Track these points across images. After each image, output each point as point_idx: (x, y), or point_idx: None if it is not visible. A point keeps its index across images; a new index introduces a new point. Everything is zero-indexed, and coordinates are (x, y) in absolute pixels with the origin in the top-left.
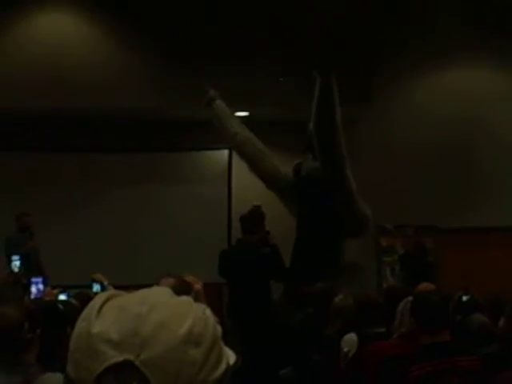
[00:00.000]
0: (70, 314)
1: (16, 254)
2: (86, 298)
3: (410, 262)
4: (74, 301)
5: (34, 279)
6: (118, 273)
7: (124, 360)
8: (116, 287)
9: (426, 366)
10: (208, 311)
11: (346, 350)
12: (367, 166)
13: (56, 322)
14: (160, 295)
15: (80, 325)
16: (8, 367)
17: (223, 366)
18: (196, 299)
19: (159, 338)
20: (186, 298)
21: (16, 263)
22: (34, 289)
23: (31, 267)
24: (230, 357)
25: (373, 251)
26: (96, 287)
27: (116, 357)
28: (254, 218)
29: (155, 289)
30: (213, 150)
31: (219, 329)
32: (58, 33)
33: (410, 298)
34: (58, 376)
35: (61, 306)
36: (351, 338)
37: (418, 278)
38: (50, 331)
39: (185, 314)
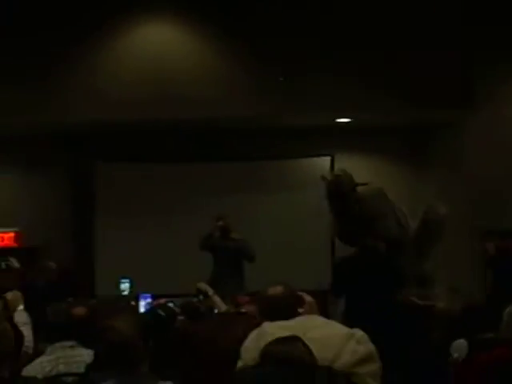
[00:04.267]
0: (170, 318)
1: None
2: (191, 310)
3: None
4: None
5: (143, 295)
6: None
7: (291, 335)
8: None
9: None
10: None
11: (455, 355)
12: (474, 169)
13: (159, 328)
14: None
15: None
16: (121, 378)
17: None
18: (309, 312)
19: (321, 332)
20: None
21: (126, 285)
22: (142, 303)
23: (223, 269)
24: None
25: (479, 257)
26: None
27: (285, 334)
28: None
29: None
30: (314, 156)
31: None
32: (160, 46)
33: None
34: None
35: (161, 312)
36: (461, 343)
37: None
38: (157, 340)
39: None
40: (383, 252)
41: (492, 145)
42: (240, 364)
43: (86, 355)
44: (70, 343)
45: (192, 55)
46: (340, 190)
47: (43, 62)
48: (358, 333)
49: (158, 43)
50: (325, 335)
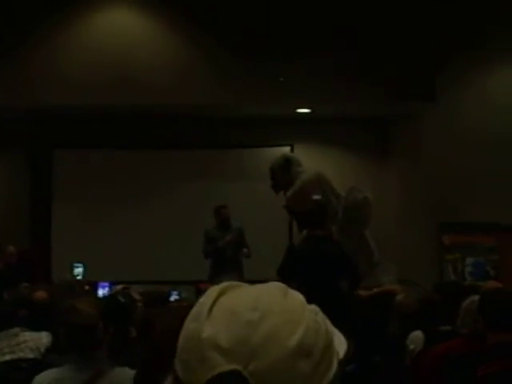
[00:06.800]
0: (130, 306)
1: (211, 249)
2: (152, 298)
3: None
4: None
5: (101, 283)
6: (180, 268)
7: (231, 370)
8: (175, 282)
9: (492, 365)
10: (320, 315)
11: (411, 347)
12: (433, 161)
13: (118, 315)
14: (273, 297)
15: (190, 325)
16: (79, 362)
17: (333, 370)
18: None
19: (269, 350)
20: (298, 300)
21: (79, 270)
22: (100, 292)
23: (224, 264)
24: (340, 349)
25: (435, 249)
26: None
27: (224, 365)
28: (321, 212)
29: (268, 287)
30: (274, 146)
31: (331, 334)
32: (121, 31)
33: (475, 298)
34: (127, 370)
35: (121, 298)
36: (417, 335)
37: None
38: (117, 327)
39: (296, 323)
40: (335, 239)
41: (450, 137)
42: None
43: (30, 340)
44: (13, 331)
45: (153, 41)
46: (270, 170)
47: (3, 46)
48: None
49: (120, 28)
50: None
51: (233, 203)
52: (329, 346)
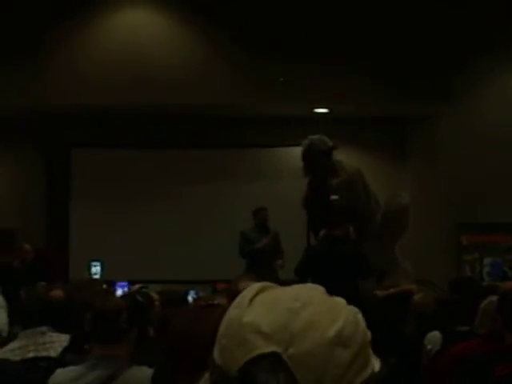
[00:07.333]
0: (148, 305)
1: (248, 250)
2: (170, 298)
3: None
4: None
5: (119, 283)
6: (197, 267)
7: (271, 352)
8: (192, 282)
9: (510, 366)
10: (360, 316)
11: (429, 347)
12: (449, 162)
13: (136, 314)
14: (313, 292)
15: (231, 312)
16: (97, 360)
17: (368, 371)
18: None
19: (308, 336)
20: (339, 299)
21: (97, 269)
22: (119, 292)
23: (259, 265)
24: (376, 364)
25: (453, 249)
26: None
27: (264, 347)
28: (340, 212)
29: (309, 285)
30: (291, 146)
31: (369, 335)
32: (138, 30)
33: (494, 298)
34: (145, 370)
35: (139, 298)
36: (435, 335)
37: None
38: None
39: (336, 315)
40: (352, 239)
41: (468, 137)
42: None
43: (57, 341)
44: (41, 329)
45: (170, 41)
46: (307, 153)
47: (22, 45)
48: None
49: (137, 28)
50: None
51: (249, 203)
52: (366, 344)
